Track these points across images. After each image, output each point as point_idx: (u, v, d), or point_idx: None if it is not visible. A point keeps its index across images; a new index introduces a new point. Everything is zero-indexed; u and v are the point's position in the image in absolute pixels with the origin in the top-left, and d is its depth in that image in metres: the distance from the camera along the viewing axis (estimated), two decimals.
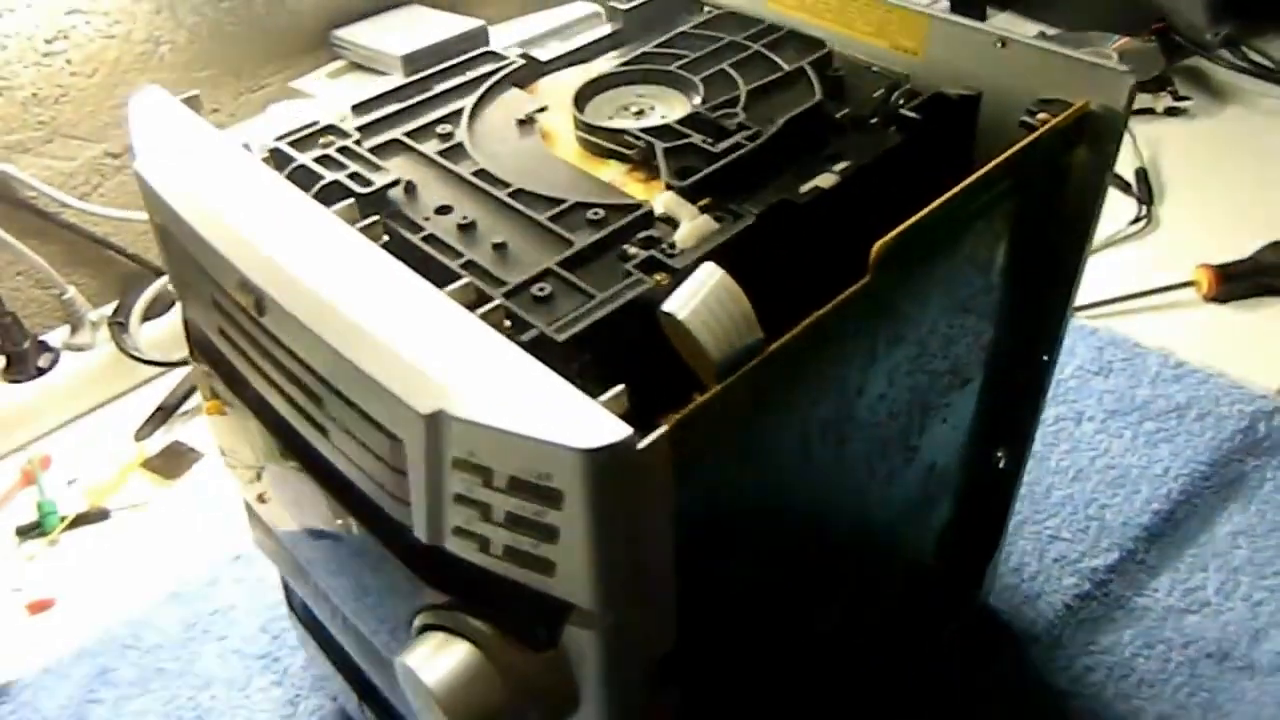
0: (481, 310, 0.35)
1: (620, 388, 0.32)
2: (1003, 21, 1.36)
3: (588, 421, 0.30)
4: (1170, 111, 1.14)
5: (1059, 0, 1.34)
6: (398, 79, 0.52)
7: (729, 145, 0.44)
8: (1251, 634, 0.69)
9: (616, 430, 0.29)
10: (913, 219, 0.40)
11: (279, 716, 0.66)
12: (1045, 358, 0.56)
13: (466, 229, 0.42)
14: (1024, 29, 1.29)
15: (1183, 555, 0.74)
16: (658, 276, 0.39)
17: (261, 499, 0.52)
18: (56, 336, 0.91)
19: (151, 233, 0.46)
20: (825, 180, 0.44)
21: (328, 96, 0.94)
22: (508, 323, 0.36)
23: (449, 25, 0.95)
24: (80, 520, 0.80)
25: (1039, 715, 0.66)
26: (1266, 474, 0.79)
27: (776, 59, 0.50)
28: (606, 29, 0.58)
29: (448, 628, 0.37)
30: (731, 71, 0.49)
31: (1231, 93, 1.18)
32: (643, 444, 0.30)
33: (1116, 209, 1.02)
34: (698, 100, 0.48)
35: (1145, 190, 1.03)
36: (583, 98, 0.48)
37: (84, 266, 0.94)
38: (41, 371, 0.88)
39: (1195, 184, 1.05)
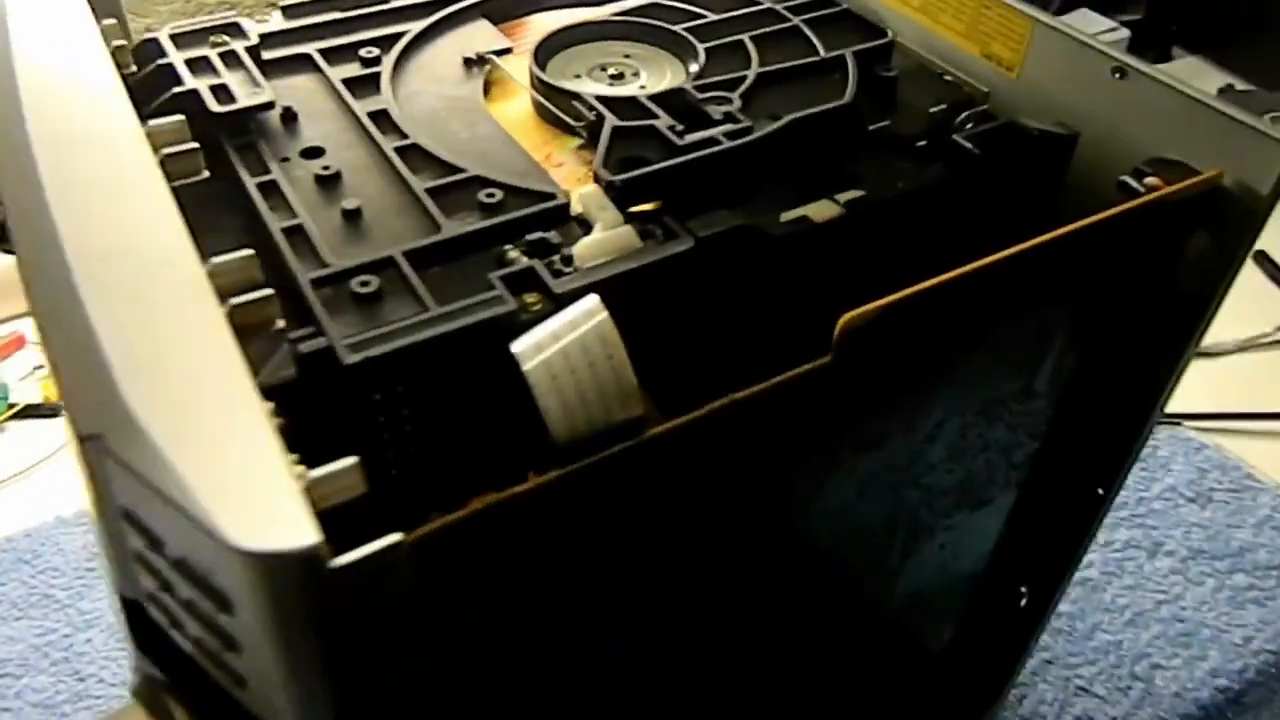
0: (242, 299, 0.25)
1: (350, 461, 0.21)
2: (1187, 68, 1.17)
3: (269, 510, 0.19)
4: None
5: (1262, 53, 1.15)
6: None
7: (700, 139, 0.32)
8: None
9: (295, 533, 0.19)
10: (917, 288, 0.28)
11: None
12: (1100, 491, 0.43)
13: (326, 182, 0.32)
14: (1210, 79, 1.11)
15: None
16: (530, 298, 0.28)
17: None
18: None
19: None
20: (820, 210, 0.32)
21: None
22: (280, 323, 0.26)
23: None
24: (28, 412, 0.75)
25: None
26: None
27: (815, 40, 0.38)
28: None
29: (150, 703, 0.27)
30: (750, 45, 0.38)
31: None
32: (340, 561, 0.20)
33: (1262, 302, 0.85)
34: (695, 71, 0.37)
35: None
36: (551, 47, 0.37)
37: None
38: None
39: None
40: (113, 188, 0.27)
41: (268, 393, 0.26)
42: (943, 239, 0.34)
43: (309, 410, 0.26)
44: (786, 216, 0.32)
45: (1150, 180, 0.34)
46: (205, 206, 0.31)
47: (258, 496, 0.20)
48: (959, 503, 0.39)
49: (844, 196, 0.32)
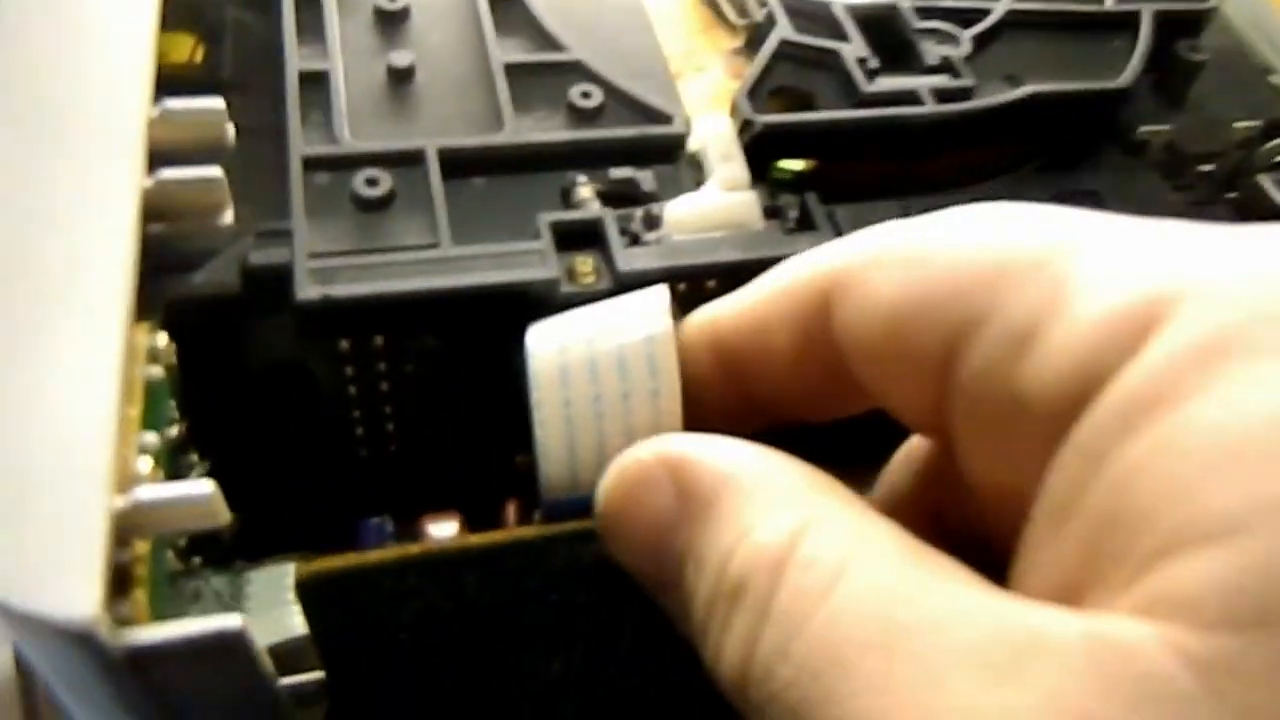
0: (173, 174, 0.18)
1: (205, 488, 0.14)
2: None
3: (53, 554, 0.13)
4: None
5: None
6: None
7: (896, 90, 0.23)
8: None
9: (73, 596, 0.12)
10: None
11: None
12: None
13: (387, 20, 0.24)
14: None
15: None
16: (583, 264, 0.20)
17: None
18: None
19: None
20: None
21: None
22: (228, 215, 0.18)
23: None
24: None
25: None
26: None
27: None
28: None
29: None
30: None
31: None
32: (139, 639, 0.13)
33: None
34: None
35: None
36: None
37: None
38: None
39: None
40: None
41: (200, 304, 0.19)
42: None
43: (262, 334, 0.20)
44: None
45: None
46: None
47: (47, 526, 0.13)
48: None
49: None
